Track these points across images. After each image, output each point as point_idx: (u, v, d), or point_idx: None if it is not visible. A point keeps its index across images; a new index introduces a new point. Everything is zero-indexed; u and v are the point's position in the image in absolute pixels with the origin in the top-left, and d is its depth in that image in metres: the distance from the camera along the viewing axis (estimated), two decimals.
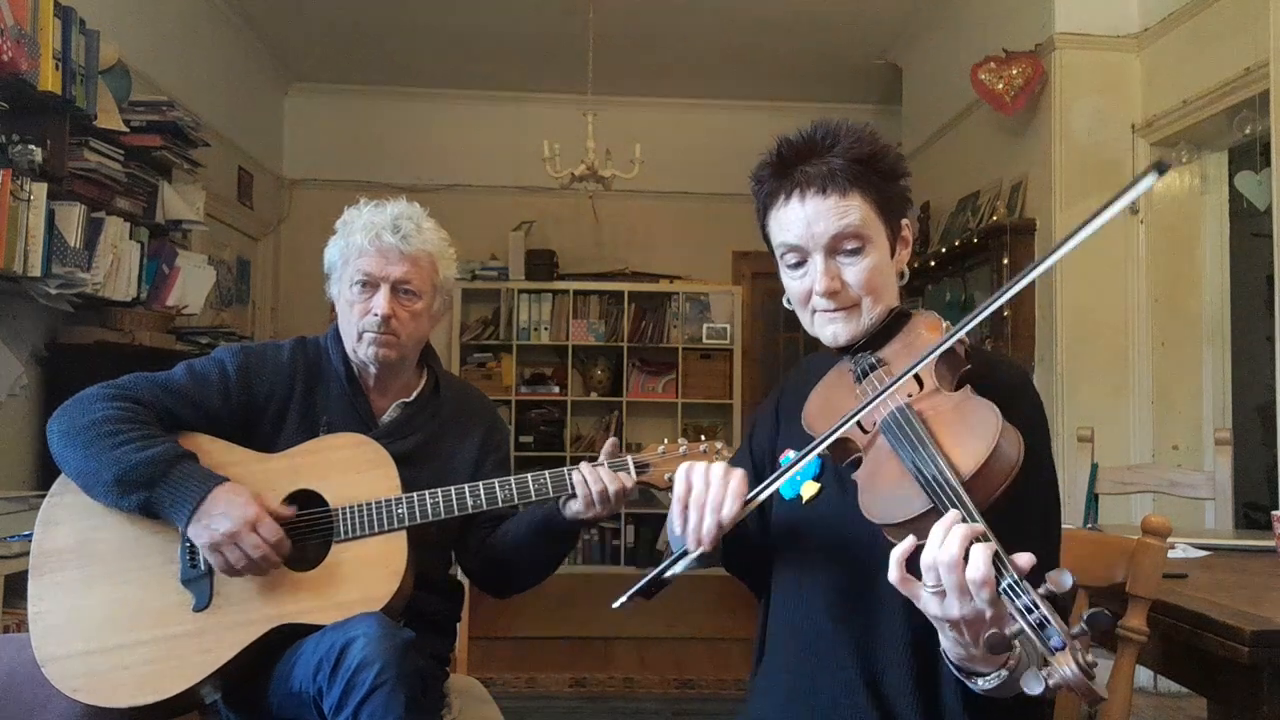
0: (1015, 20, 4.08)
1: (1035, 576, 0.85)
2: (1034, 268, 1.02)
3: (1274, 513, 1.85)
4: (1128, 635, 1.29)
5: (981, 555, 0.86)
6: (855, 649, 1.14)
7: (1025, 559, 0.86)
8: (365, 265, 1.64)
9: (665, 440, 1.66)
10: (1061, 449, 3.45)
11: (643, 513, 6.00)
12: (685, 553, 1.08)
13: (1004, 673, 0.93)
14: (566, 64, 5.35)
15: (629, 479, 1.57)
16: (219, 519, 1.45)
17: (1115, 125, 3.78)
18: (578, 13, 4.87)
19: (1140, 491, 2.76)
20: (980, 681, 0.96)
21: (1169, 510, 2.45)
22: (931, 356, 1.06)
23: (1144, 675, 3.29)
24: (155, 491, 1.47)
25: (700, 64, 5.79)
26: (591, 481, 1.55)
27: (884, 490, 1.01)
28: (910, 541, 0.93)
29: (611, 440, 1.62)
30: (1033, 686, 0.81)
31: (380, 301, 1.63)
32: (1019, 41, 3.93)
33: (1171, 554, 1.69)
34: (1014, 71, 3.87)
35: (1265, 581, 1.58)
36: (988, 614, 0.87)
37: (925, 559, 0.90)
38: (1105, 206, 1.01)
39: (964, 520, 0.90)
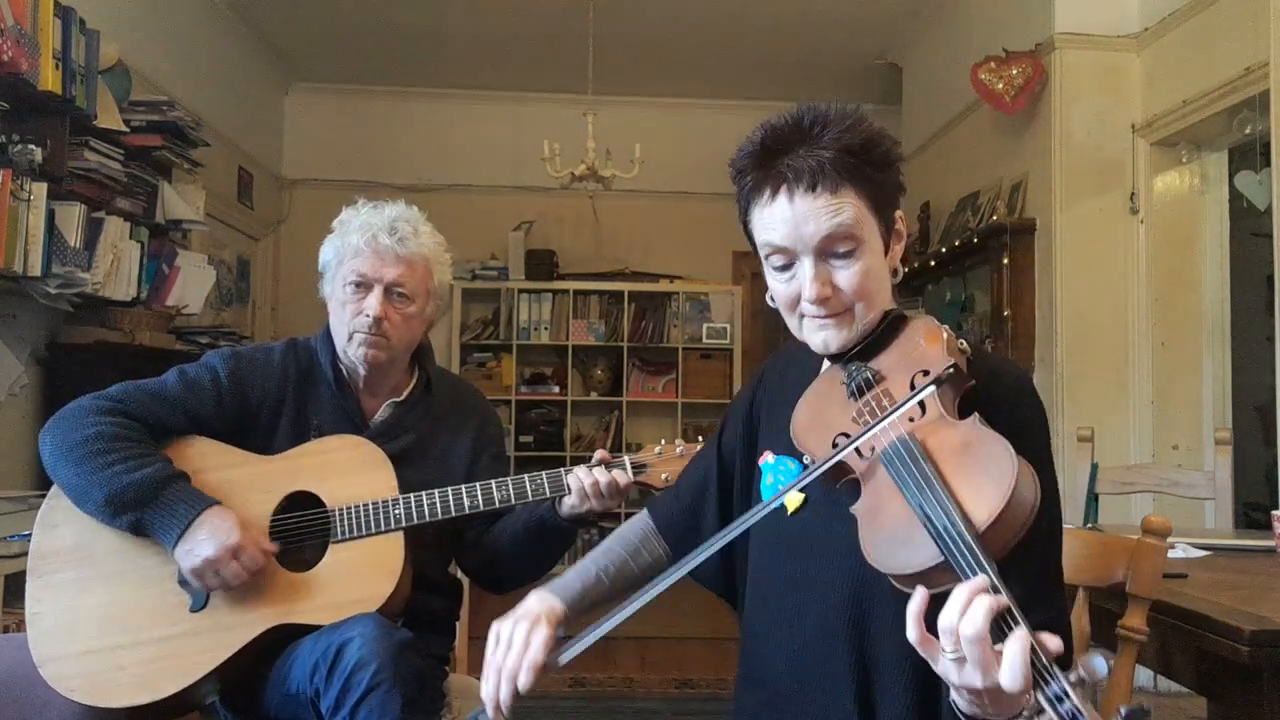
0: (1015, 20, 4.08)
1: (1065, 657, 0.78)
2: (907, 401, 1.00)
3: (1274, 513, 1.84)
4: (1128, 635, 1.29)
5: (1018, 662, 0.77)
6: (847, 671, 1.05)
7: (1054, 643, 0.79)
8: (359, 266, 1.63)
9: (663, 440, 1.67)
10: (1061, 449, 3.45)
11: None
12: (482, 712, 1.04)
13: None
14: (566, 64, 5.35)
15: (624, 476, 1.59)
16: (203, 544, 1.45)
17: (1115, 125, 3.77)
18: (578, 13, 4.87)
19: (1140, 491, 2.75)
20: None
21: (1169, 510, 2.44)
22: (929, 391, 0.99)
23: (1144, 675, 3.29)
24: (145, 514, 1.47)
25: (700, 64, 5.79)
26: (585, 478, 1.57)
27: (888, 533, 0.94)
28: (923, 596, 0.84)
29: (600, 452, 1.64)
30: None
31: (373, 303, 1.62)
32: (1019, 41, 3.93)
33: (1171, 554, 1.69)
34: (1014, 71, 3.86)
35: (1265, 581, 1.58)
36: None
37: (943, 623, 0.81)
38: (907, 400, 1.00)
39: (989, 591, 0.81)
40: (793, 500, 1.12)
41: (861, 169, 1.06)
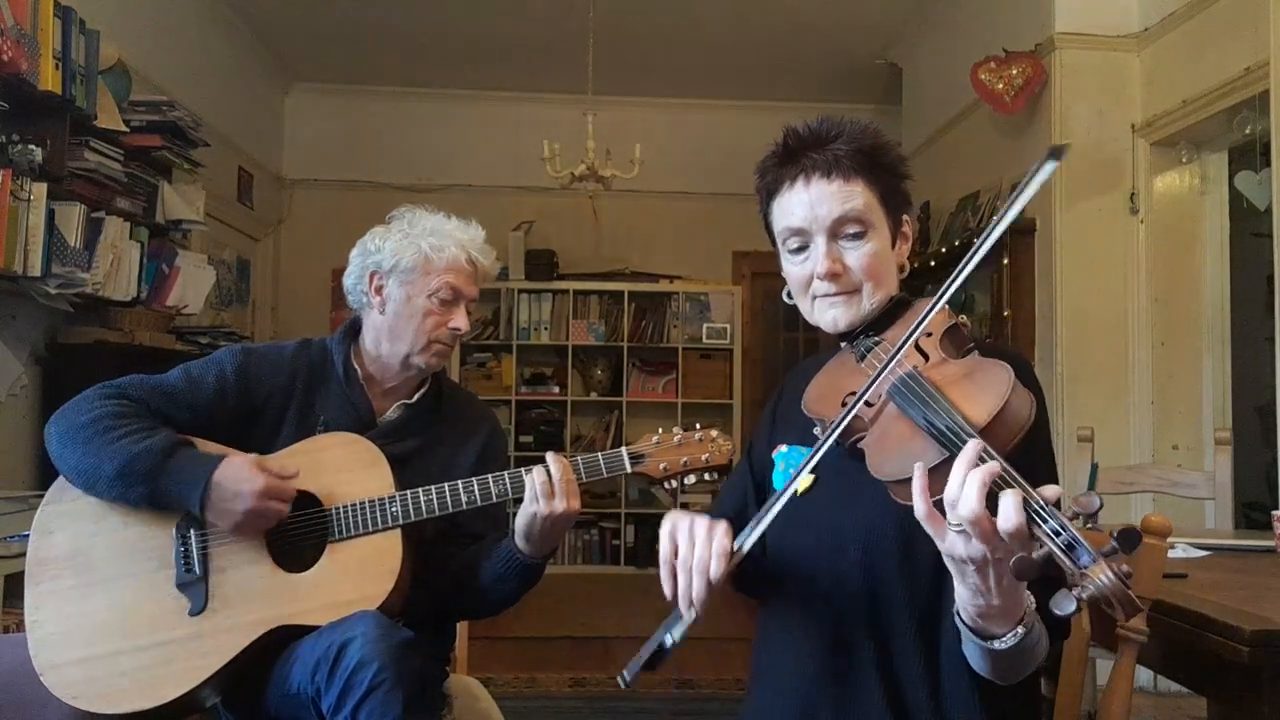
0: (1015, 20, 4.08)
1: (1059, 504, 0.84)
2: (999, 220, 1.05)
3: (1274, 513, 1.84)
4: (1128, 635, 1.29)
5: (1011, 503, 0.84)
6: (861, 642, 1.13)
7: (1051, 490, 0.85)
8: (458, 281, 1.69)
9: (660, 430, 1.66)
10: (1061, 449, 3.45)
11: (643, 513, 6.00)
12: (681, 617, 1.05)
13: (1020, 630, 0.94)
14: (566, 64, 5.35)
15: (554, 466, 1.55)
16: (235, 499, 1.46)
17: (1115, 125, 3.77)
18: (578, 13, 4.87)
19: (1140, 491, 2.75)
20: (996, 643, 0.95)
21: (1169, 510, 2.44)
22: (933, 313, 1.06)
23: (1144, 675, 3.29)
24: (159, 481, 1.47)
25: (700, 64, 5.79)
26: (554, 469, 1.54)
27: (895, 446, 0.99)
28: (922, 471, 0.90)
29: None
30: (1065, 606, 0.80)
31: (463, 318, 1.71)
32: (1019, 41, 3.93)
33: (1171, 554, 1.69)
34: (1014, 71, 3.86)
35: (1265, 581, 1.58)
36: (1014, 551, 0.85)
37: (947, 497, 0.88)
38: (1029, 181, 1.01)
39: (981, 459, 0.88)
40: (804, 482, 1.18)
41: (873, 167, 1.18)
